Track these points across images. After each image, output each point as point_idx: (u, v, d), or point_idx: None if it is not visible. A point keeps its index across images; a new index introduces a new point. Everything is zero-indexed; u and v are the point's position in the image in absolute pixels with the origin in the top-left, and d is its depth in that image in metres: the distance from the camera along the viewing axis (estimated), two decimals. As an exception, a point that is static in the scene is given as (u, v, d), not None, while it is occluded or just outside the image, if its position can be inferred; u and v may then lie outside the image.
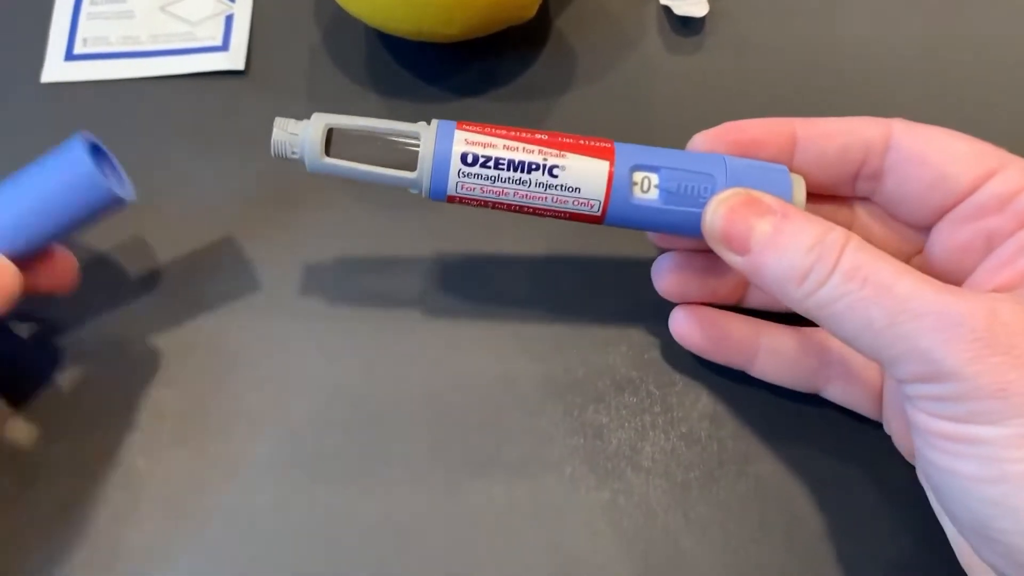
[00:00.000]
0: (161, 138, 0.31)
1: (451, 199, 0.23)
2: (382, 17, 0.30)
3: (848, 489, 0.25)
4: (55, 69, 0.33)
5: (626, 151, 0.23)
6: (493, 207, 0.23)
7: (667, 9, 0.33)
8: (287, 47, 0.33)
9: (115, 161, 0.26)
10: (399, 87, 0.32)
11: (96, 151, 0.25)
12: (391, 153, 0.23)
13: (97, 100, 0.32)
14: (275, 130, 0.23)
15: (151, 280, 0.29)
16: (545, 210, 0.23)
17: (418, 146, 0.23)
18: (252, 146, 0.31)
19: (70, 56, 0.34)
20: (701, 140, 0.24)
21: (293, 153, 0.23)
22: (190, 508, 0.25)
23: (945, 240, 0.23)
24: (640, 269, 0.28)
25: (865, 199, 0.25)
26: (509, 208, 0.23)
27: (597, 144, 0.23)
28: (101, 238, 0.30)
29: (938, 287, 0.19)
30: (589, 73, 0.33)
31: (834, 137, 0.23)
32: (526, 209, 0.23)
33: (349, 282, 0.29)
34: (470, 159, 0.22)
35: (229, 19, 0.34)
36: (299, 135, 0.23)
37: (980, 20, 0.34)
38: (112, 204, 0.24)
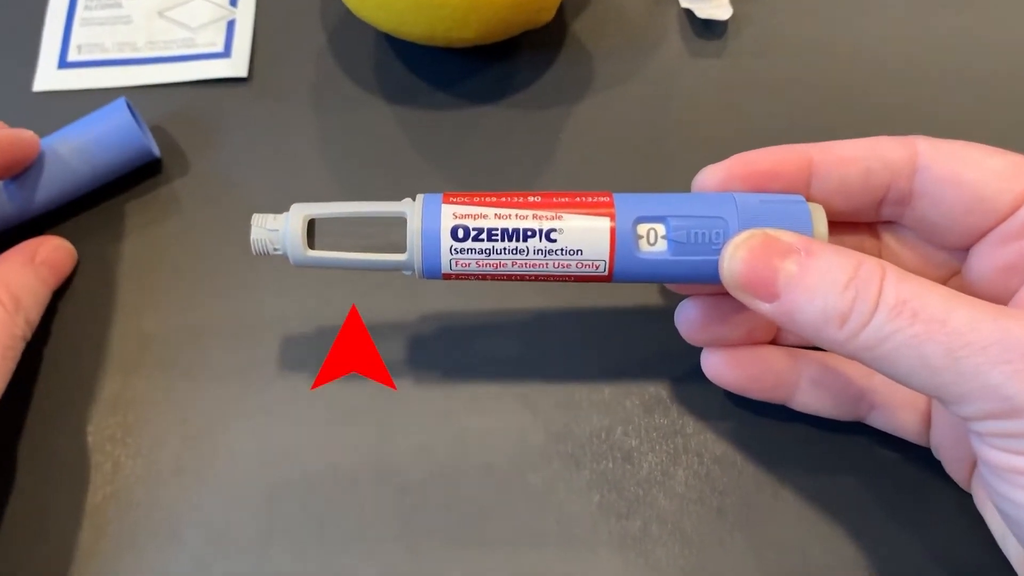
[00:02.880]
0: (160, 149, 0.30)
1: (447, 276, 0.21)
2: (394, 21, 0.28)
3: (892, 515, 0.24)
4: (48, 77, 0.32)
5: (626, 203, 0.21)
6: (492, 279, 0.22)
7: (689, 12, 0.32)
8: (292, 53, 0.32)
9: (144, 124, 0.30)
10: (410, 94, 0.31)
11: (132, 113, 0.29)
12: (378, 236, 0.21)
13: (93, 110, 0.31)
14: (253, 228, 0.22)
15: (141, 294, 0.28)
16: (548, 276, 0.21)
17: (405, 225, 0.21)
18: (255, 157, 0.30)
19: (64, 64, 0.32)
20: (709, 174, 0.22)
21: (275, 250, 0.22)
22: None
23: (985, 262, 0.21)
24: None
25: (890, 223, 0.23)
26: (510, 278, 0.21)
27: (595, 200, 0.21)
28: (97, 256, 0.28)
29: (996, 312, 0.17)
30: (607, 79, 0.31)
31: (855, 162, 0.22)
32: (527, 278, 0.21)
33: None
34: (461, 233, 0.21)
35: (231, 24, 0.33)
36: (279, 231, 0.22)
37: (1012, 17, 0.32)
38: (144, 155, 0.29)
